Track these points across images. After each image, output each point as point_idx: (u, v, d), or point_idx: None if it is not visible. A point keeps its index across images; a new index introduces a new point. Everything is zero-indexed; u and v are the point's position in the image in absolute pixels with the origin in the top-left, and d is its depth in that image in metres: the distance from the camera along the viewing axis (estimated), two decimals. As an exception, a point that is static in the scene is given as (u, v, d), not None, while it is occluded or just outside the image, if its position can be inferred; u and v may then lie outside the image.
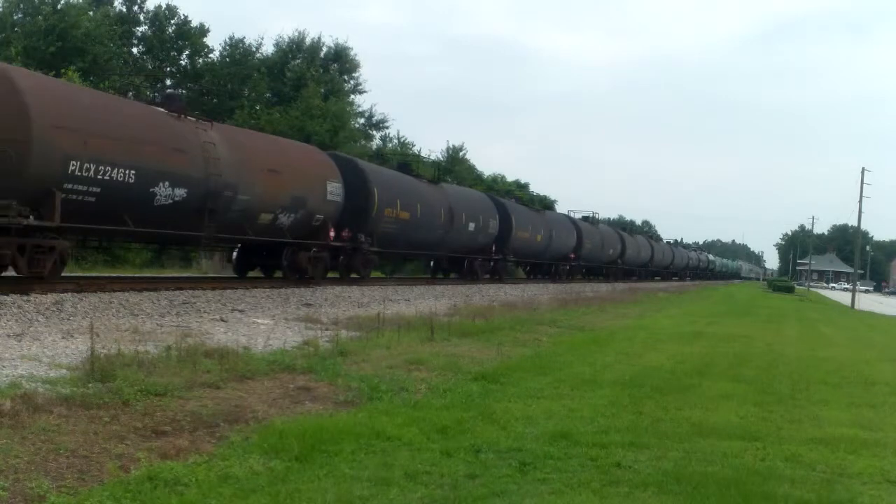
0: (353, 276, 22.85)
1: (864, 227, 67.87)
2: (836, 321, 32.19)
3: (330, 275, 22.27)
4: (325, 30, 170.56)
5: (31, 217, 12.66)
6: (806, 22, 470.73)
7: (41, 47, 31.87)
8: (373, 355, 9.93)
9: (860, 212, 58.53)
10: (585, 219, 49.67)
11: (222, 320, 12.57)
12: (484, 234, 31.06)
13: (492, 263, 33.11)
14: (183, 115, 16.51)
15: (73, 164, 13.09)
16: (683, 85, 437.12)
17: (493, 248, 32.41)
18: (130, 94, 34.37)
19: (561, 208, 49.89)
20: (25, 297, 11.78)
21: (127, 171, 14.11)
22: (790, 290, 72.11)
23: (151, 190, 14.83)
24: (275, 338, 10.79)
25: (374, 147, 48.50)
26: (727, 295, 51.19)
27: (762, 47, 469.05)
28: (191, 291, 15.25)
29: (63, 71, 28.11)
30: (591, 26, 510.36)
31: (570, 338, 14.55)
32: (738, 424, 7.53)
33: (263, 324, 12.55)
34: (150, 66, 40.66)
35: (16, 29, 33.62)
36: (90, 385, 6.71)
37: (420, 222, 25.29)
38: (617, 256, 53.07)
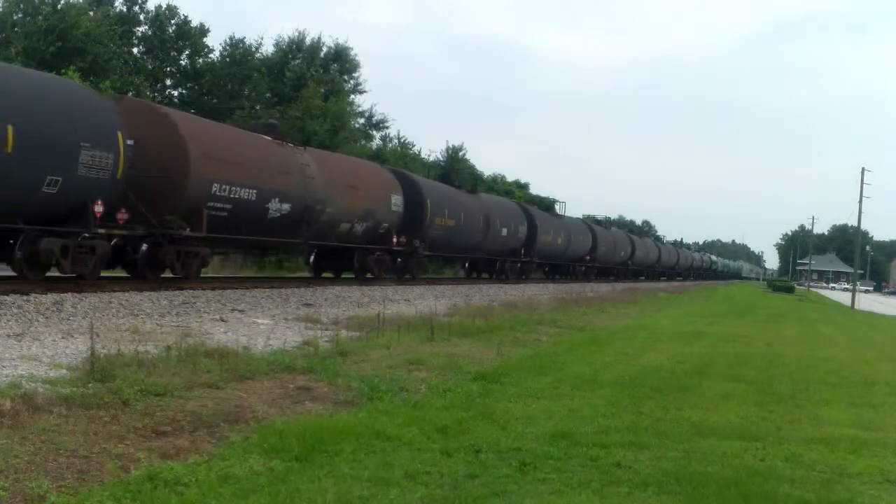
0: (407, 276, 26.21)
1: (864, 227, 67.88)
2: (836, 321, 32.20)
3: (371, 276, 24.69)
4: (326, 30, 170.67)
5: (188, 229, 15.98)
6: (806, 22, 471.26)
7: (41, 47, 31.87)
8: (373, 355, 9.94)
9: (860, 212, 58.54)
10: (598, 222, 54.07)
11: (222, 320, 12.57)
12: (514, 239, 34.50)
13: (519, 265, 36.60)
14: (284, 142, 20.15)
15: (215, 187, 16.48)
16: (683, 85, 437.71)
17: (522, 252, 35.92)
18: (130, 93, 34.37)
19: (568, 210, 51.95)
20: (25, 297, 11.79)
21: (250, 191, 17.54)
22: (790, 290, 72.12)
23: (266, 206, 18.18)
24: (275, 338, 10.79)
25: (374, 147, 48.50)
26: (727, 295, 51.20)
27: (762, 47, 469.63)
28: (191, 291, 15.25)
29: (63, 71, 28.09)
30: (592, 26, 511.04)
31: (570, 338, 14.55)
32: (738, 424, 7.53)
33: (263, 324, 12.55)
34: (150, 67, 40.64)
35: (16, 29, 33.61)
36: (90, 385, 6.71)
37: (463, 229, 28.82)
38: (627, 258, 56.10)
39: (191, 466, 4.99)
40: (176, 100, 41.14)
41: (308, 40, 47.15)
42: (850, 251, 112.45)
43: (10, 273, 14.37)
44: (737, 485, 5.38)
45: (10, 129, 12.28)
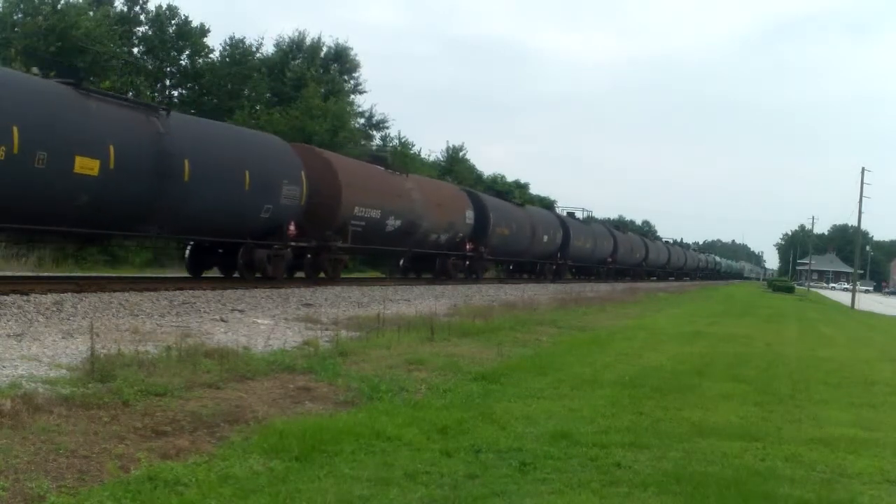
0: (473, 276, 31.89)
1: (864, 227, 67.90)
2: (836, 321, 32.19)
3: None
4: (326, 30, 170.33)
5: (340, 241, 21.57)
6: (806, 22, 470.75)
7: (41, 47, 31.86)
8: (373, 355, 9.93)
9: (860, 212, 58.51)
10: (617, 227, 60.37)
11: (222, 320, 12.56)
12: (552, 244, 40.43)
13: (555, 267, 42.04)
14: (394, 171, 26.11)
15: (356, 209, 22.13)
16: (684, 85, 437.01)
17: (558, 255, 41.65)
18: (130, 93, 34.37)
19: (568, 209, 54.41)
20: (25, 297, 11.80)
21: (376, 211, 23.13)
22: (790, 290, 72.09)
23: (386, 222, 23.86)
24: (275, 338, 10.79)
25: (374, 147, 48.48)
26: (727, 295, 51.19)
27: (762, 47, 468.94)
28: (191, 291, 15.26)
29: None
30: (592, 26, 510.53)
31: (570, 338, 14.55)
32: (739, 424, 7.53)
33: (263, 324, 12.55)
34: (150, 67, 40.62)
35: (16, 29, 33.59)
36: (90, 385, 6.71)
37: (515, 237, 34.79)
38: (642, 259, 60.74)
39: (191, 466, 4.98)
40: (176, 100, 41.12)
41: (308, 40, 47.17)
42: (850, 251, 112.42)
43: (11, 273, 14.41)
44: (737, 485, 5.38)
45: (246, 173, 17.75)
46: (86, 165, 13.95)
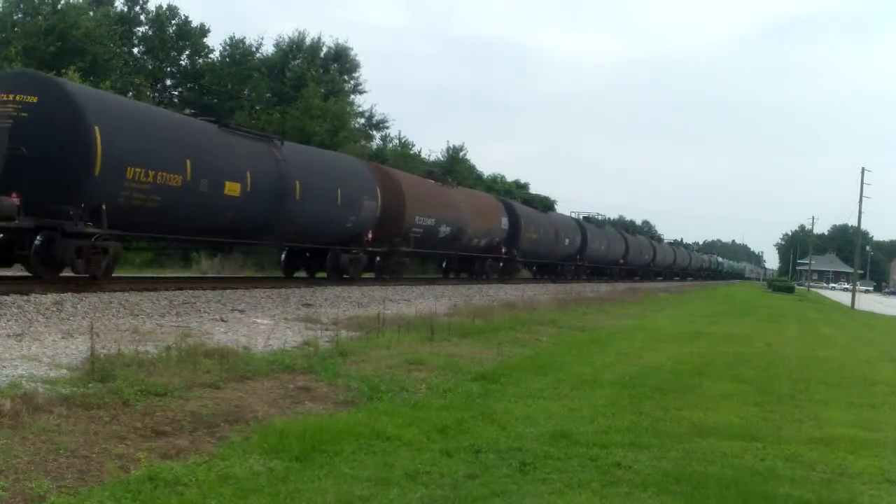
0: (506, 276, 35.27)
1: (864, 227, 67.82)
2: (836, 321, 32.19)
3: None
4: (326, 30, 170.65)
5: (404, 246, 25.22)
6: (806, 22, 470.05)
7: (41, 47, 31.85)
8: (373, 355, 9.93)
9: (860, 212, 58.46)
10: (627, 229, 65.76)
11: (222, 320, 12.56)
12: (572, 247, 44.11)
13: (574, 267, 45.72)
14: (444, 184, 30.46)
15: (417, 218, 25.76)
16: (683, 85, 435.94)
17: (578, 257, 45.38)
18: (130, 93, 34.36)
19: (568, 210, 56.38)
20: (25, 297, 11.79)
21: (431, 220, 26.74)
22: (790, 290, 72.09)
23: (438, 229, 27.45)
24: (275, 338, 10.79)
25: (374, 147, 48.49)
26: (727, 295, 51.20)
27: (762, 47, 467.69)
28: (191, 291, 15.26)
29: (63, 71, 28.08)
30: (592, 26, 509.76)
31: (570, 338, 14.55)
32: (739, 424, 7.53)
33: (263, 324, 12.55)
34: (150, 67, 40.63)
35: (16, 29, 33.58)
36: (90, 385, 6.71)
37: (542, 240, 38.74)
38: (650, 260, 63.71)
39: (191, 466, 4.98)
40: (176, 100, 41.15)
41: (308, 40, 47.13)
42: (850, 251, 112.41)
43: (13, 273, 14.49)
44: (737, 485, 5.38)
45: (339, 191, 21.38)
46: (232, 189, 17.33)
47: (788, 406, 8.75)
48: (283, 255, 23.45)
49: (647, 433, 6.84)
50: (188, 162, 15.89)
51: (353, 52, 49.38)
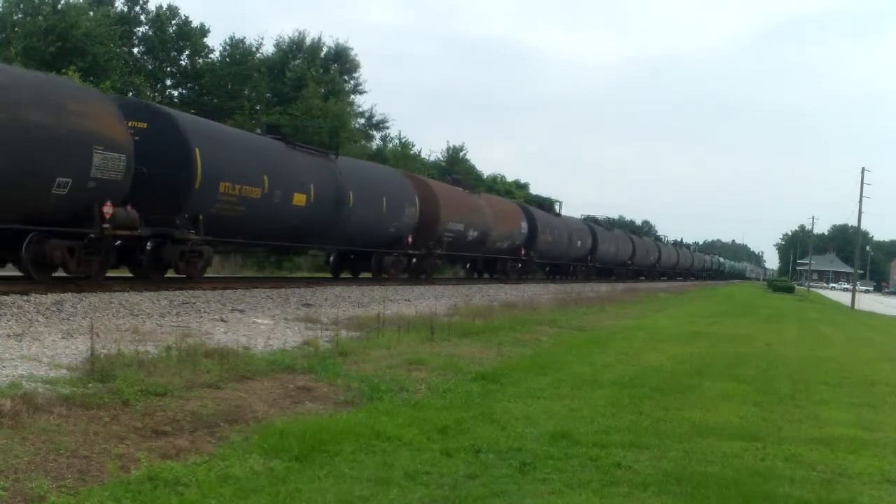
0: (524, 276, 37.70)
1: (864, 227, 67.85)
2: (836, 321, 32.20)
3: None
4: (326, 30, 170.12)
5: (438, 249, 27.44)
6: (806, 22, 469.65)
7: (41, 47, 31.88)
8: (373, 355, 9.93)
9: (860, 212, 58.54)
10: (635, 231, 67.75)
11: (222, 320, 12.56)
12: (583, 249, 46.27)
13: (584, 268, 47.77)
14: (471, 191, 32.17)
15: (449, 224, 27.99)
16: (683, 85, 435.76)
17: (589, 258, 47.63)
18: (131, 93, 34.35)
19: (568, 210, 56.57)
20: (25, 297, 11.79)
21: (461, 225, 28.97)
22: (790, 290, 72.11)
23: (467, 233, 29.57)
24: (275, 338, 10.79)
25: (375, 147, 48.49)
26: (727, 295, 51.20)
27: (762, 47, 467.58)
28: (191, 291, 15.25)
29: (63, 71, 28.08)
30: (592, 26, 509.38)
31: (570, 338, 14.55)
32: (739, 424, 7.53)
33: (263, 324, 12.55)
34: (150, 67, 40.62)
35: (16, 29, 33.62)
36: (90, 385, 6.71)
37: (557, 243, 41.06)
38: (655, 261, 65.76)
39: (191, 466, 4.98)
40: (176, 100, 41.14)
41: (308, 40, 47.22)
42: (850, 251, 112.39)
43: (15, 273, 14.51)
44: (737, 485, 5.38)
45: (384, 199, 23.55)
46: (299, 199, 19.64)
47: (788, 406, 8.75)
48: (331, 258, 25.54)
49: (647, 433, 6.84)
50: (265, 177, 18.25)
51: (353, 53, 49.56)
